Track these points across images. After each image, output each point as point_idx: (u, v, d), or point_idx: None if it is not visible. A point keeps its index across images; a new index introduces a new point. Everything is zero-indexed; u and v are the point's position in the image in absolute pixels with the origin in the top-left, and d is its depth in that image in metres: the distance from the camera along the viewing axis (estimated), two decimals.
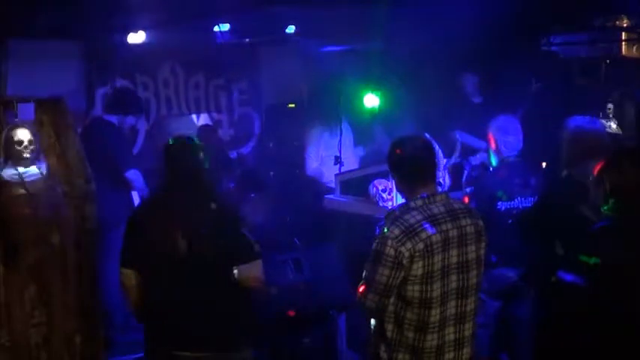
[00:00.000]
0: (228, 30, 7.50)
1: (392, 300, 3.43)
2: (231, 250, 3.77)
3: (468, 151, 6.38)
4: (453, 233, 3.44)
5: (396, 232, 3.38)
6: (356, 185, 5.55)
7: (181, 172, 3.86)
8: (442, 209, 3.47)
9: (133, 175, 6.19)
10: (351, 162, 6.91)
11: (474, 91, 7.29)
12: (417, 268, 3.36)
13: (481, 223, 3.58)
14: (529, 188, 5.07)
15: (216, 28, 7.44)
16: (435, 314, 3.41)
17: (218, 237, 3.74)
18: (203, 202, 3.82)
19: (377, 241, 3.45)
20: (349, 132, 7.10)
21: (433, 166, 3.59)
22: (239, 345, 3.89)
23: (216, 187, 3.97)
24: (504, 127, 5.26)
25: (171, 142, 3.97)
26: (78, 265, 4.96)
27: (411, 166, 3.53)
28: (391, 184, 5.11)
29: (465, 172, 5.77)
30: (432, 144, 3.67)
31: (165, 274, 3.79)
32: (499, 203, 4.98)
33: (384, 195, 5.13)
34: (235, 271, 3.78)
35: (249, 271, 3.79)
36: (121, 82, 7.41)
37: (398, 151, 3.57)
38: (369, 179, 5.31)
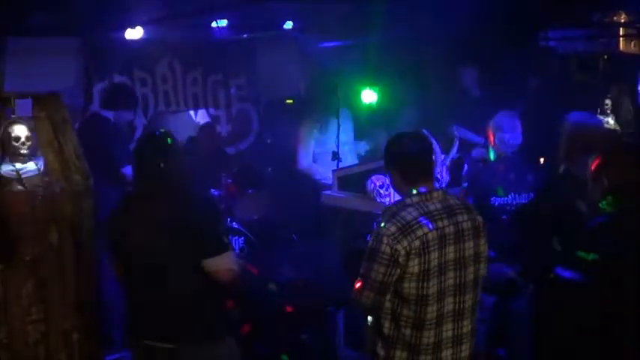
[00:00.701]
0: (226, 26, 7.49)
1: (388, 297, 3.43)
2: (197, 244, 3.77)
3: (466, 146, 6.38)
4: (450, 230, 3.43)
5: (393, 229, 3.37)
6: (354, 181, 5.54)
7: (146, 167, 3.90)
8: (439, 206, 3.46)
9: (129, 170, 6.19)
10: (350, 157, 6.89)
11: (472, 86, 7.29)
12: (414, 266, 3.35)
13: (480, 218, 3.57)
14: (524, 184, 5.07)
15: (213, 24, 7.44)
16: (431, 311, 3.41)
17: (182, 233, 3.75)
18: (169, 198, 3.85)
19: (373, 237, 3.45)
20: (349, 124, 7.05)
21: (430, 162, 3.59)
22: (208, 338, 3.88)
23: (187, 182, 3.95)
24: (503, 122, 5.26)
25: (141, 138, 4.02)
26: (76, 261, 4.95)
27: (408, 162, 3.52)
28: (388, 179, 5.11)
29: (465, 167, 5.77)
30: (429, 140, 3.66)
31: (138, 271, 3.88)
32: (493, 198, 4.98)
33: (382, 191, 5.12)
34: (204, 265, 3.79)
35: (218, 264, 3.80)
36: (118, 78, 7.41)
37: (395, 147, 3.58)
38: (366, 175, 5.30)
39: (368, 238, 3.53)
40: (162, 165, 3.84)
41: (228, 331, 4.03)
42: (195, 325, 3.82)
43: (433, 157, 3.66)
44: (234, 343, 4.05)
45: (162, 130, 4.18)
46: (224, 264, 3.82)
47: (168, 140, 3.97)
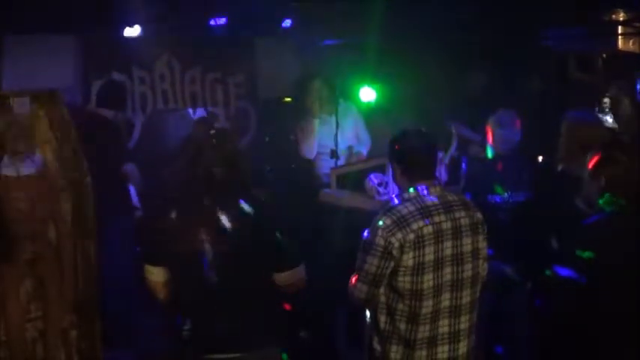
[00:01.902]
0: (225, 23, 7.49)
1: (384, 291, 3.44)
2: (264, 255, 3.53)
3: (464, 144, 6.38)
4: (447, 225, 3.45)
5: (388, 222, 3.40)
6: (352, 179, 5.55)
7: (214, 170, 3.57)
8: (436, 201, 3.48)
9: (130, 169, 6.20)
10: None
11: (471, 84, 7.29)
12: (408, 259, 3.37)
13: (479, 215, 3.59)
14: (522, 183, 5.07)
15: (212, 22, 7.44)
16: (427, 306, 3.42)
17: (249, 240, 3.50)
18: (235, 204, 3.56)
19: (369, 231, 3.48)
20: (352, 121, 7.01)
21: (433, 160, 3.62)
22: (264, 344, 3.67)
23: (251, 189, 3.66)
24: (503, 119, 5.26)
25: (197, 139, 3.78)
26: (74, 259, 4.95)
27: (410, 159, 3.56)
28: (387, 177, 5.12)
29: (463, 165, 5.77)
30: (432, 138, 3.69)
31: (193, 273, 3.57)
32: (491, 196, 4.98)
33: (381, 189, 5.12)
34: (276, 277, 3.58)
35: (291, 278, 3.59)
36: (117, 77, 7.41)
37: (399, 143, 3.61)
38: (365, 173, 5.31)
39: (364, 233, 3.54)
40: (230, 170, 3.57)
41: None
42: (255, 332, 3.60)
43: (436, 154, 3.69)
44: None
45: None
46: (298, 277, 3.62)
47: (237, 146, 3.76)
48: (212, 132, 3.85)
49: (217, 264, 3.48)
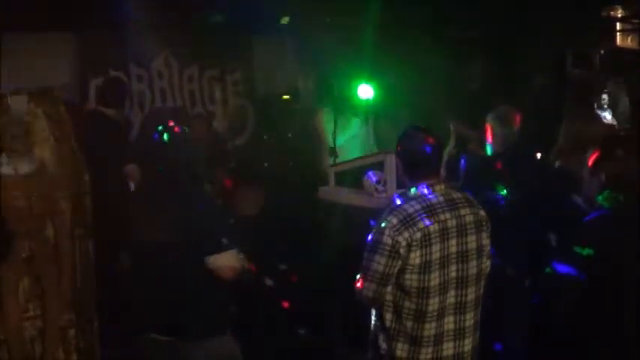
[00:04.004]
0: (223, 21, 7.48)
1: (390, 289, 3.46)
2: (201, 239, 3.85)
3: (462, 141, 6.37)
4: (452, 223, 3.46)
5: (394, 221, 3.41)
6: (350, 176, 5.54)
7: (169, 163, 3.99)
8: (441, 199, 3.50)
9: (131, 169, 6.23)
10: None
11: (468, 81, 7.28)
12: (415, 258, 3.38)
13: (482, 213, 3.60)
14: (521, 180, 5.06)
15: (210, 19, 7.43)
16: (433, 303, 3.43)
17: (191, 226, 3.84)
18: (183, 193, 3.94)
19: (375, 230, 3.49)
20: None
21: (437, 158, 3.63)
22: (210, 332, 3.97)
23: (198, 177, 4.11)
24: (502, 116, 5.26)
25: (159, 133, 4.05)
26: (72, 257, 4.95)
27: (416, 158, 3.57)
28: (385, 175, 5.11)
29: (462, 162, 5.77)
30: (437, 136, 3.70)
31: (147, 260, 3.96)
32: (489, 194, 4.98)
33: (379, 186, 5.12)
34: (208, 261, 3.87)
35: (221, 261, 3.88)
36: (115, 75, 7.40)
37: (404, 141, 3.64)
38: (363, 170, 5.30)
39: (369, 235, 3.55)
40: (182, 161, 3.98)
41: (227, 326, 4.08)
42: (196, 320, 3.88)
43: (441, 153, 3.70)
44: (233, 338, 4.09)
45: (182, 127, 4.26)
46: (229, 261, 3.89)
47: (188, 137, 4.15)
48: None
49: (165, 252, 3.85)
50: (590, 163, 3.81)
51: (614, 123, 7.10)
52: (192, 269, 3.84)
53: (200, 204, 3.97)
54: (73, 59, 7.11)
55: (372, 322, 3.62)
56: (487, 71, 7.27)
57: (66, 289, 4.92)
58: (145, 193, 4.07)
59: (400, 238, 3.38)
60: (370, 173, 5.22)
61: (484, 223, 3.59)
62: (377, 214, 3.63)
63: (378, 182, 5.12)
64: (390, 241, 3.39)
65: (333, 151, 6.64)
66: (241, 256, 3.99)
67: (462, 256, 3.49)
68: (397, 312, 3.48)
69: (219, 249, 3.87)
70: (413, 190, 3.52)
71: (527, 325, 4.91)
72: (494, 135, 5.21)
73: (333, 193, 5.66)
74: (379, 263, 3.42)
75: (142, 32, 7.04)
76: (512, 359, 5.22)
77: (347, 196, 5.49)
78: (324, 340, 5.65)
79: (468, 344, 3.56)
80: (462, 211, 3.51)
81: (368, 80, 6.76)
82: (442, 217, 3.45)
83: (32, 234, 4.80)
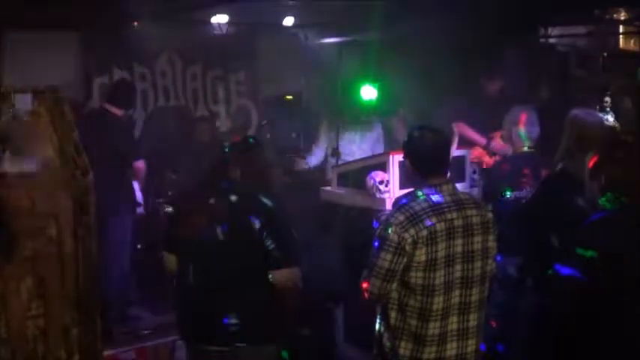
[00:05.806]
0: (226, 21, 7.49)
1: (395, 287, 3.47)
2: (268, 250, 3.89)
3: (466, 145, 6.36)
4: (458, 223, 3.49)
5: (401, 218, 3.45)
6: (353, 177, 5.55)
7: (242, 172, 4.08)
8: (448, 199, 3.53)
9: (141, 164, 6.28)
10: None
11: (473, 83, 7.27)
12: (420, 255, 3.41)
13: (490, 215, 3.62)
14: (526, 182, 5.08)
15: (213, 19, 7.44)
16: (437, 302, 3.45)
17: (257, 234, 3.87)
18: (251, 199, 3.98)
19: (381, 226, 3.53)
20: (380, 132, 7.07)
21: (446, 159, 3.67)
22: (266, 339, 3.99)
23: (269, 185, 4.16)
24: (521, 116, 5.27)
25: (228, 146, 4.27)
26: (75, 256, 4.95)
27: (424, 157, 3.60)
28: (388, 175, 5.12)
29: (466, 164, 5.75)
30: (445, 137, 3.72)
31: (200, 261, 3.99)
32: (503, 195, 5.00)
33: (381, 187, 5.12)
34: (270, 275, 3.91)
35: (285, 277, 3.93)
36: (118, 73, 7.41)
37: (414, 141, 3.65)
38: (366, 171, 5.31)
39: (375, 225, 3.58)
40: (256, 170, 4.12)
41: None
42: (258, 326, 3.94)
43: (448, 153, 3.72)
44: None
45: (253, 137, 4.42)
46: (292, 278, 3.96)
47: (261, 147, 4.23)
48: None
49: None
50: (591, 165, 3.81)
51: (617, 125, 7.09)
52: (254, 274, 3.88)
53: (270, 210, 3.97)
54: (76, 58, 7.12)
55: (377, 321, 3.64)
56: (490, 72, 7.26)
57: (69, 288, 4.92)
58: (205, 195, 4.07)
59: (406, 235, 3.40)
60: (373, 174, 5.23)
61: (491, 226, 3.60)
62: (379, 214, 3.65)
63: (380, 183, 5.12)
64: (396, 238, 3.42)
65: (335, 152, 6.66)
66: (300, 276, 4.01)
67: (468, 257, 3.51)
68: (402, 310, 3.51)
69: (287, 264, 3.91)
70: (419, 191, 3.54)
71: (530, 326, 4.91)
72: (513, 135, 5.23)
73: (335, 193, 5.66)
74: (384, 259, 3.44)
75: (145, 31, 7.05)
76: None
77: (349, 197, 5.49)
78: (326, 340, 5.65)
79: (471, 345, 3.57)
80: (469, 212, 3.54)
81: (372, 81, 6.77)
82: (449, 216, 3.47)
83: (35, 233, 4.80)
